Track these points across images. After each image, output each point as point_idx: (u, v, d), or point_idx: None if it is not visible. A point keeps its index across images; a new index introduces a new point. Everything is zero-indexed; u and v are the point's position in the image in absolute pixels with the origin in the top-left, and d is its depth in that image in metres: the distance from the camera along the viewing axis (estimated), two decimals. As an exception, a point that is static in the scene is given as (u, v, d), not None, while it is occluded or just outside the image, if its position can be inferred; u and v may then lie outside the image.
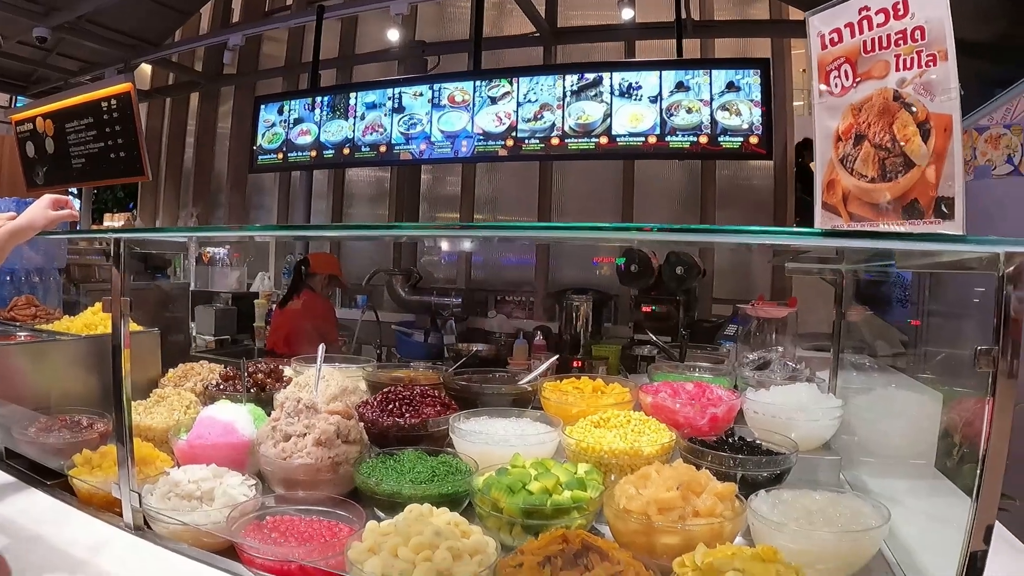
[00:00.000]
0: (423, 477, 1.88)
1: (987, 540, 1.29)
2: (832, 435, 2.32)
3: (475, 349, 4.39)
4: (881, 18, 1.65)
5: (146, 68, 9.97)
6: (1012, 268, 1.24)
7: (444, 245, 7.64)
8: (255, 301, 6.71)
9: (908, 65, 1.58)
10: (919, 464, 2.08)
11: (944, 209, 1.49)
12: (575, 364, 4.69)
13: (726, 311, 6.27)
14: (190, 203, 10.02)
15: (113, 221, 10.14)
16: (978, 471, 1.28)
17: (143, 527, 1.89)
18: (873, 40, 1.67)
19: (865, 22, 1.68)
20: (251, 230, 2.83)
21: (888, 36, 1.63)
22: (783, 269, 5.88)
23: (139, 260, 7.75)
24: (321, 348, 2.42)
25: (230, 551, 1.75)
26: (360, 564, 1.46)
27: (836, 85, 1.73)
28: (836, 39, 1.75)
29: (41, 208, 2.15)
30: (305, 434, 2.00)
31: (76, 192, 10.23)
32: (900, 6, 1.61)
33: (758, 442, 2.12)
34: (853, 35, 1.72)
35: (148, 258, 7.89)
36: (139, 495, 1.87)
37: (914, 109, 1.55)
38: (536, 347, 5.43)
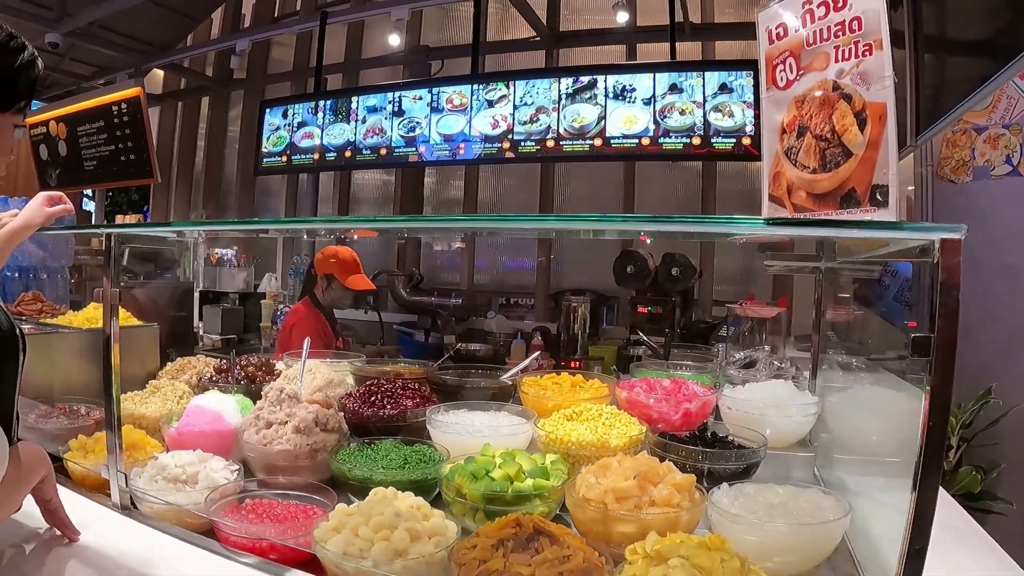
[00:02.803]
0: (395, 464, 1.96)
1: (926, 535, 1.28)
2: (808, 432, 2.35)
3: (459, 346, 4.46)
4: (822, 11, 1.69)
5: (159, 73, 10.10)
6: (946, 255, 1.23)
7: (444, 246, 7.72)
8: (262, 301, 6.81)
9: (846, 56, 1.62)
10: (898, 463, 2.09)
11: (879, 197, 1.52)
12: (573, 364, 4.76)
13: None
14: (200, 205, 10.15)
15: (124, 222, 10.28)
16: (916, 464, 1.27)
17: (130, 507, 1.97)
18: (815, 33, 1.70)
19: (808, 15, 1.72)
20: (237, 224, 2.91)
21: (828, 28, 1.67)
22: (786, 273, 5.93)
23: (148, 260, 7.87)
24: (307, 342, 2.50)
25: (211, 531, 1.83)
26: (324, 542, 1.53)
27: (782, 79, 1.76)
28: (782, 33, 1.79)
29: (37, 205, 2.23)
30: (286, 422, 2.08)
31: (90, 194, 10.37)
32: (840, -1, 1.66)
33: (729, 437, 2.15)
34: (797, 29, 1.76)
35: (158, 259, 8.01)
36: (126, 476, 1.96)
37: (852, 99, 1.60)
38: (534, 347, 5.49)
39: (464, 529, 1.70)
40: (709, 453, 2.00)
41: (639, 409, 2.38)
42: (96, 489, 2.11)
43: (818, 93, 1.64)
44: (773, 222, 1.58)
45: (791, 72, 1.75)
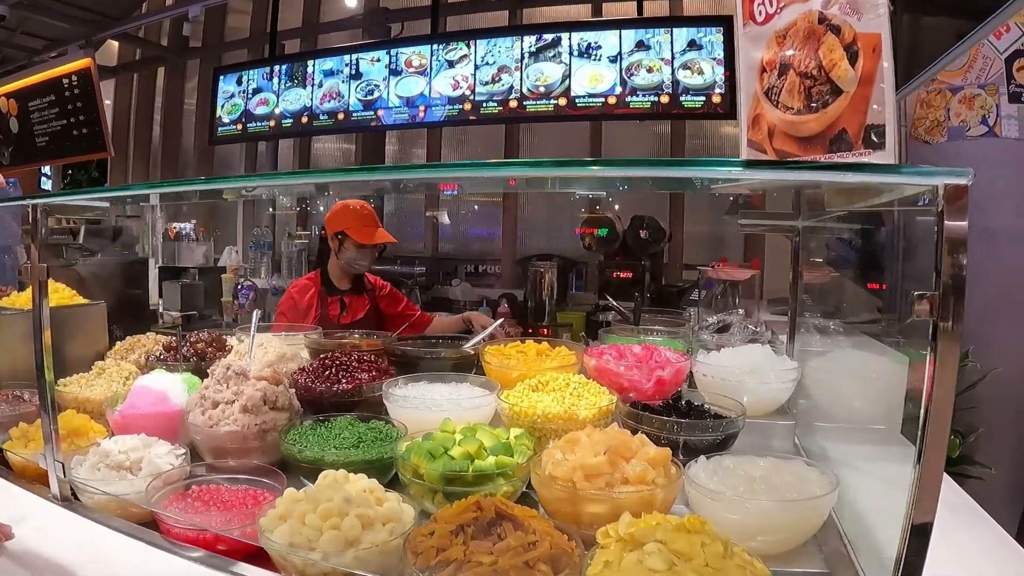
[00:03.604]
0: (348, 443, 1.85)
1: (932, 511, 1.19)
2: (788, 399, 2.26)
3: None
4: (804, -66, 1.53)
5: (113, 44, 9.84)
6: (952, 203, 1.12)
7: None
8: (223, 276, 6.66)
9: (833, -17, 1.47)
10: (883, 430, 1.93)
11: (874, 138, 1.37)
12: (543, 331, 4.68)
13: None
14: (158, 179, 9.92)
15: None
16: (919, 434, 1.17)
17: (70, 498, 1.86)
18: (797, -42, 1.55)
19: (788, -61, 1.57)
20: (164, 186, 2.74)
21: (812, -48, 1.50)
22: (757, 235, 5.85)
23: (107, 238, 7.68)
24: (255, 314, 2.37)
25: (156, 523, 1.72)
26: (269, 532, 1.43)
27: (760, 13, 1.59)
28: (760, -38, 1.64)
29: None
30: (233, 401, 1.97)
31: (48, 172, 10.09)
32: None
33: (705, 406, 2.04)
34: (776, -45, 1.61)
35: (117, 236, 7.81)
36: (63, 465, 1.84)
37: (840, 31, 1.45)
38: (500, 314, 5.41)
39: (423, 512, 1.60)
40: (684, 424, 1.88)
41: (609, 378, 2.27)
42: (37, 480, 2.00)
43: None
44: (754, 164, 1.46)
45: (770, 5, 1.59)
